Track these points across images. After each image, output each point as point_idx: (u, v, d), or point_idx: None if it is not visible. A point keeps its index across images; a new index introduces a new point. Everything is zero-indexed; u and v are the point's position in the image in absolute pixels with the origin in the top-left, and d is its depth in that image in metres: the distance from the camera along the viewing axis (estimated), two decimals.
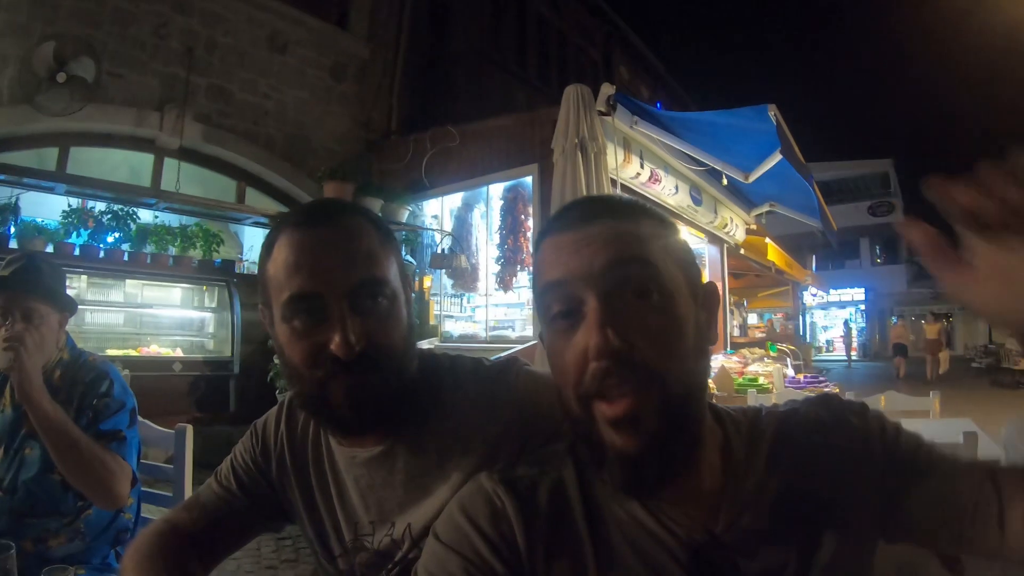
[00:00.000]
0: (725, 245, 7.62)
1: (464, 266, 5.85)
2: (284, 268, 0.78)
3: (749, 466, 0.68)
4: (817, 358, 17.60)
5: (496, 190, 5.85)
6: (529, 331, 5.37)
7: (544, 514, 0.67)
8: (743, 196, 6.97)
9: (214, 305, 5.80)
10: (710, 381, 1.93)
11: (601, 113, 4.19)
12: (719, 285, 5.19)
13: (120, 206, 5.19)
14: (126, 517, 1.61)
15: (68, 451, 1.38)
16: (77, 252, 4.87)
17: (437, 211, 6.40)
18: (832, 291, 24.19)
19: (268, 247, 0.81)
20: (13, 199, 4.71)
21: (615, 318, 0.60)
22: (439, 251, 5.94)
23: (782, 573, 0.63)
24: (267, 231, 0.90)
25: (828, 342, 27.16)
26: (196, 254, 5.55)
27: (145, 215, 5.46)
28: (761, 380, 4.56)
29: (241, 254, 6.81)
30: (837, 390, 4.42)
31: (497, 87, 8.08)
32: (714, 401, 0.90)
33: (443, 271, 6.11)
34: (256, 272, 1.22)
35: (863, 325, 26.82)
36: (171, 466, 1.75)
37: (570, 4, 10.79)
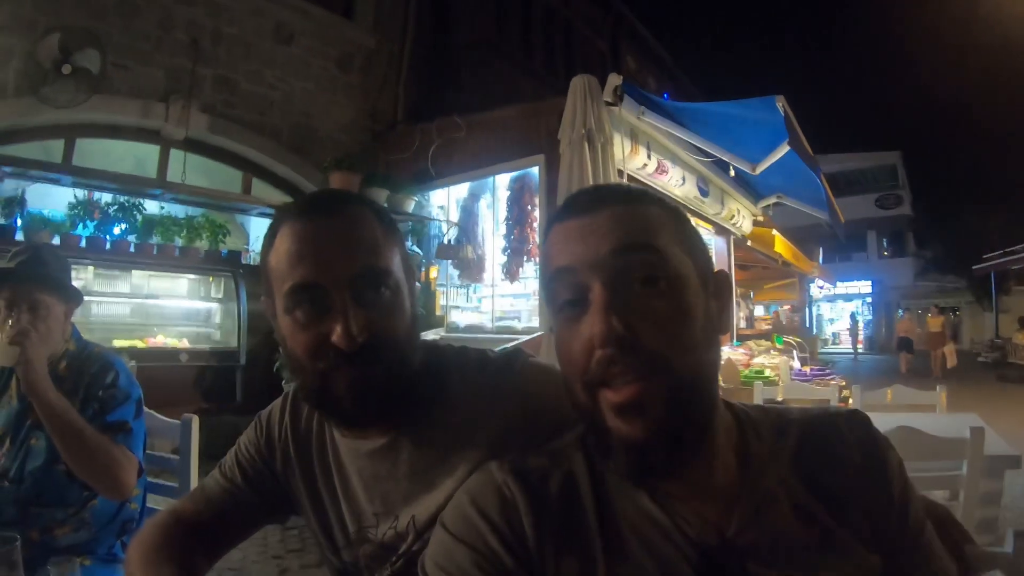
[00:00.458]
0: (732, 236, 7.56)
1: (470, 256, 5.85)
2: (286, 258, 0.77)
3: (767, 469, 0.67)
4: (823, 350, 17.50)
5: (502, 180, 5.82)
6: (535, 322, 5.35)
7: (554, 507, 0.66)
8: (750, 187, 6.91)
9: (220, 296, 5.82)
10: None
11: (608, 104, 4.15)
12: None
13: (126, 197, 5.20)
14: (132, 507, 1.62)
15: (73, 442, 1.38)
16: (83, 244, 4.88)
17: (443, 201, 6.38)
18: (839, 283, 23.99)
19: (270, 237, 0.81)
20: (19, 191, 4.71)
21: (620, 305, 0.60)
22: (445, 241, 5.94)
23: None
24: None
25: (834, 335, 27.02)
26: (202, 245, 5.55)
27: (151, 206, 5.46)
28: (767, 372, 4.53)
29: (247, 245, 6.80)
30: (844, 383, 4.40)
31: (503, 77, 8.01)
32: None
33: (449, 261, 6.10)
34: None
35: (870, 318, 26.69)
36: (177, 457, 1.75)
37: None
